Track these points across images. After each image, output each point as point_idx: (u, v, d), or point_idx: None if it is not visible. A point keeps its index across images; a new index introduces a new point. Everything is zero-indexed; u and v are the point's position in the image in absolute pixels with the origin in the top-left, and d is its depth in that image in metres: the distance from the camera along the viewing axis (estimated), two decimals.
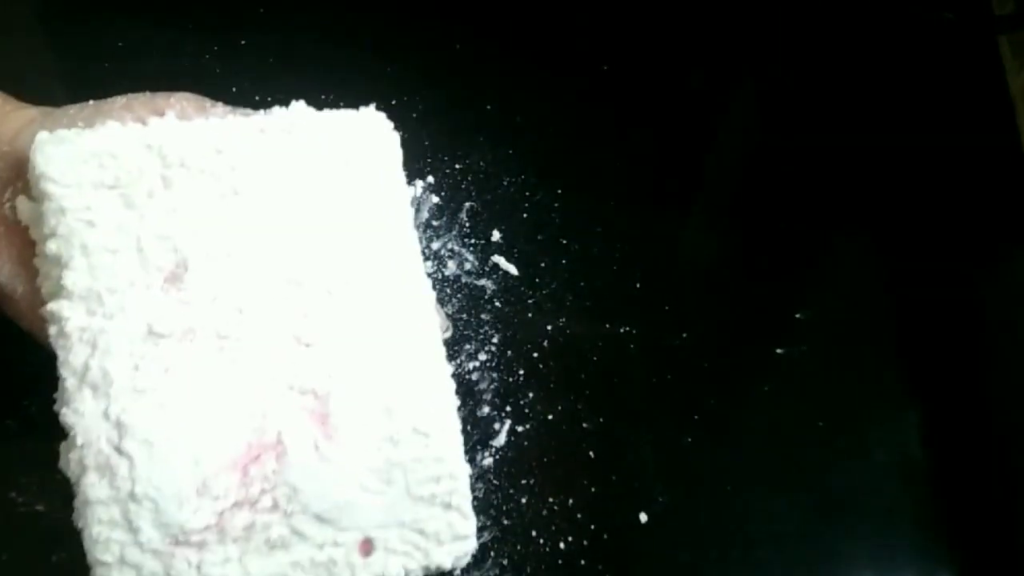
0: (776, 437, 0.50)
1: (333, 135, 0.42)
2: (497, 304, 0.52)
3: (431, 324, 0.41)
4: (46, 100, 0.57)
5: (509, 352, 0.51)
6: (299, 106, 0.43)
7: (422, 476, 0.39)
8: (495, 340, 0.51)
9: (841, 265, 0.58)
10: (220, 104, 0.43)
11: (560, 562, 0.45)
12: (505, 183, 0.57)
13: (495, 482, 0.47)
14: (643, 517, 0.46)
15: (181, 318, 0.38)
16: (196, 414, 0.38)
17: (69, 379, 0.37)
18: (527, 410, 0.49)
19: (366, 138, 0.43)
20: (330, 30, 0.63)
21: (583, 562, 0.45)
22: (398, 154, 0.43)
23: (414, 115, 0.59)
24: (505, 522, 0.46)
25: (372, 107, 0.44)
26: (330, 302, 0.40)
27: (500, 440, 0.48)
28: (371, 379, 0.39)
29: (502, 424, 0.48)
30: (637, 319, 0.52)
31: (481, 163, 0.57)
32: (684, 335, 0.52)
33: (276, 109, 0.43)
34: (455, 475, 0.39)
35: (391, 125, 0.43)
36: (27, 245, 0.40)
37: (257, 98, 0.58)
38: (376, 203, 0.42)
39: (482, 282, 0.53)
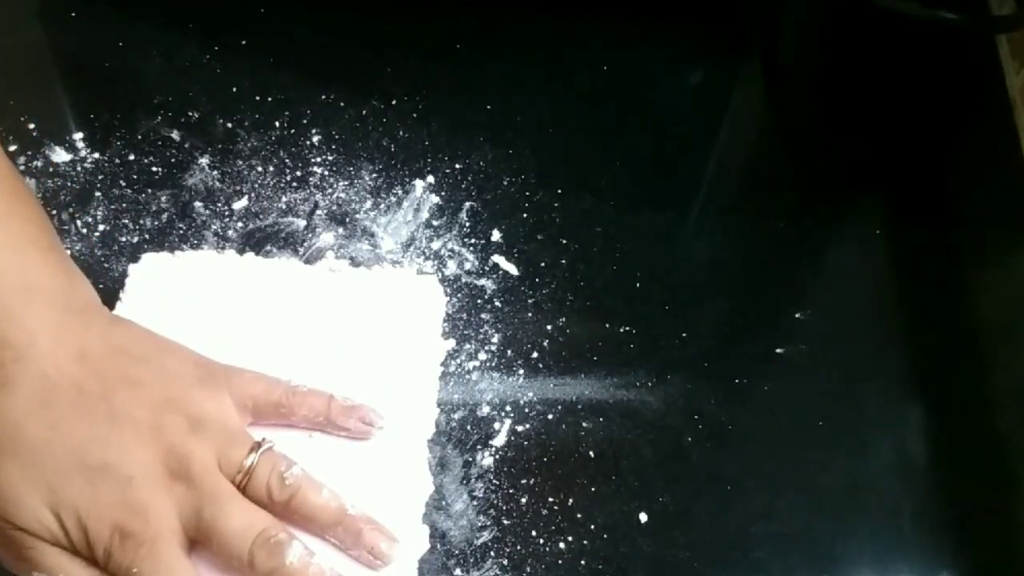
0: (776, 437, 0.50)
1: (391, 289, 0.50)
2: (497, 304, 0.52)
3: (421, 482, 0.45)
4: (45, 100, 0.57)
5: (509, 352, 0.51)
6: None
7: None
8: (495, 340, 0.51)
9: (841, 265, 0.58)
10: None
11: (560, 562, 0.45)
12: (505, 183, 0.57)
13: (495, 482, 0.47)
14: (643, 517, 0.46)
15: None
16: None
17: None
18: (527, 410, 0.49)
19: (418, 296, 0.50)
20: (330, 30, 0.63)
21: (583, 562, 0.45)
22: (441, 312, 0.51)
23: (414, 115, 0.59)
24: (505, 522, 0.45)
25: (431, 276, 0.51)
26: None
27: (500, 440, 0.48)
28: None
29: (502, 424, 0.48)
30: (637, 319, 0.52)
31: (481, 163, 0.57)
32: (684, 335, 0.52)
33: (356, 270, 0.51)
34: None
35: (441, 289, 0.51)
36: None
37: (257, 98, 0.58)
38: (412, 350, 0.48)
39: (482, 282, 0.53)
